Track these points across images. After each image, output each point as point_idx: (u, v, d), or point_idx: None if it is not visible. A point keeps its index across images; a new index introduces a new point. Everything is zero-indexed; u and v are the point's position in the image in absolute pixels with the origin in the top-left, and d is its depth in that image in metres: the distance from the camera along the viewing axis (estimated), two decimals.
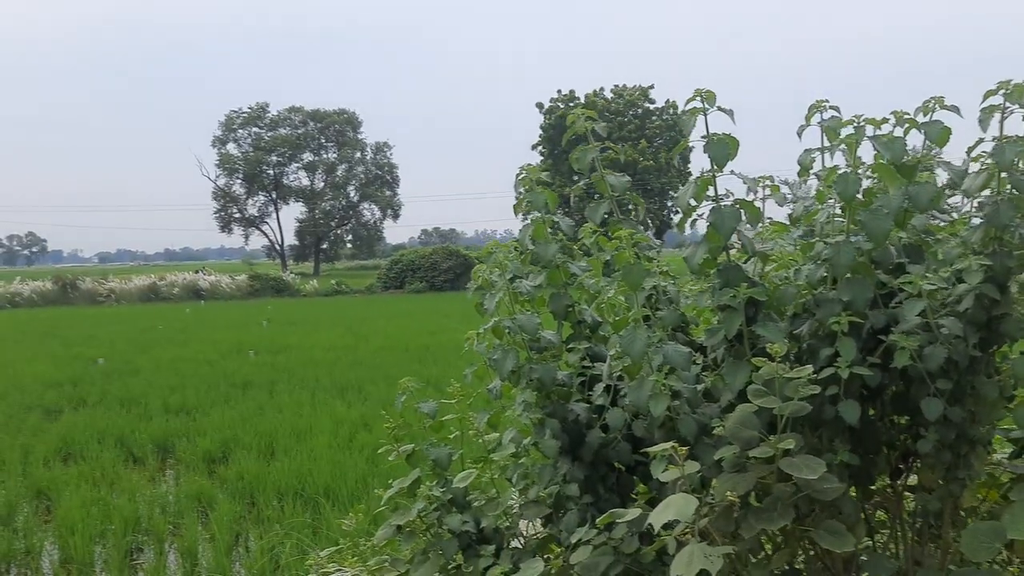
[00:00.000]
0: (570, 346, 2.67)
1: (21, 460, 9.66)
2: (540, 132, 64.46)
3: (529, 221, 2.77)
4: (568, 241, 2.79)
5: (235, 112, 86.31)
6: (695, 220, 2.38)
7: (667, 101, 65.35)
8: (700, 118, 2.29)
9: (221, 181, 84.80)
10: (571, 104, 63.22)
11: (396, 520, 2.55)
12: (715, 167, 2.32)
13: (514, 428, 2.56)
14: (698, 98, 2.29)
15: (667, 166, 60.77)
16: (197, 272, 52.72)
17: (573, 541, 2.19)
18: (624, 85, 66.15)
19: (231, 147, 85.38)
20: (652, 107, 65.14)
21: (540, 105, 64.79)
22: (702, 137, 2.32)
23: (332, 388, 13.88)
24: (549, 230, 2.72)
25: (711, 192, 2.34)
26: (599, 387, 2.49)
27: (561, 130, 61.23)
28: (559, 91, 64.43)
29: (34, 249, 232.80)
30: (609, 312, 2.75)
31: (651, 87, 65.75)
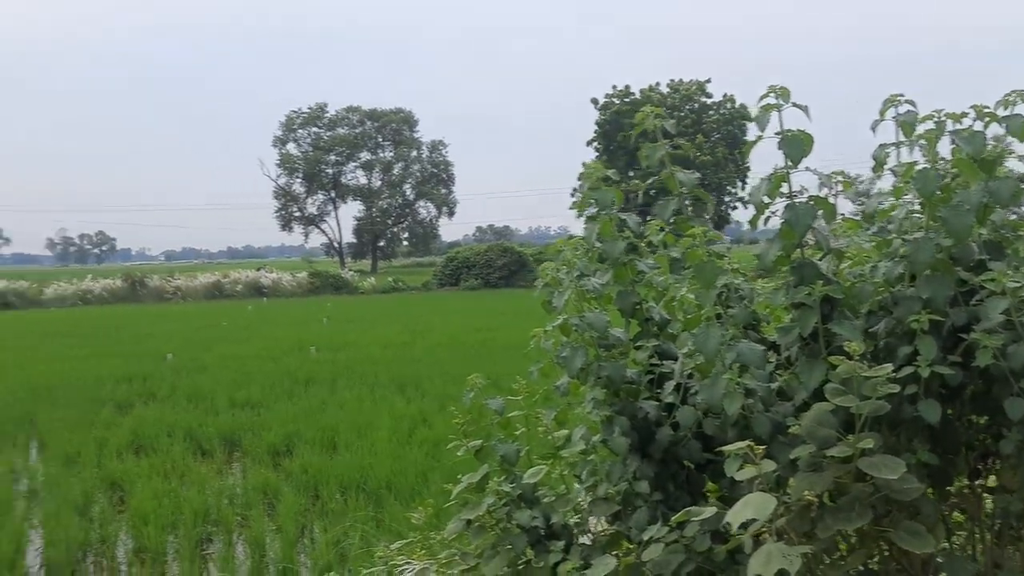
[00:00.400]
0: (638, 344, 2.67)
1: (96, 452, 9.99)
2: (595, 128, 64.16)
3: (591, 219, 2.77)
4: (635, 238, 2.78)
5: (295, 112, 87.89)
6: (768, 217, 2.36)
7: (724, 95, 64.55)
8: (774, 114, 2.27)
9: (282, 180, 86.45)
10: (626, 100, 62.86)
11: (466, 515, 2.58)
12: (789, 163, 2.29)
13: (583, 425, 2.57)
14: (772, 94, 2.27)
15: (724, 161, 60.00)
16: (259, 270, 53.82)
17: (645, 538, 2.19)
18: (680, 80, 65.51)
19: (291, 147, 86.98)
20: (709, 101, 64.36)
21: (595, 101, 64.50)
22: (776, 133, 2.30)
23: (391, 384, 14.05)
24: (615, 227, 2.72)
25: (785, 189, 2.32)
26: (669, 385, 2.49)
27: (616, 126, 60.90)
28: (614, 86, 64.08)
29: (104, 248, 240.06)
30: (677, 310, 2.73)
31: (708, 81, 64.99)
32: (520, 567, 2.53)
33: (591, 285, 2.57)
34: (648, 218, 2.88)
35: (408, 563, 3.16)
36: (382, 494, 8.09)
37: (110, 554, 7.21)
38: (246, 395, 13.35)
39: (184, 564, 6.65)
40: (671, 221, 2.63)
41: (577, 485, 2.62)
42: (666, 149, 2.58)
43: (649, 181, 2.67)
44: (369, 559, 6.34)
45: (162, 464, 9.43)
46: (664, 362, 2.63)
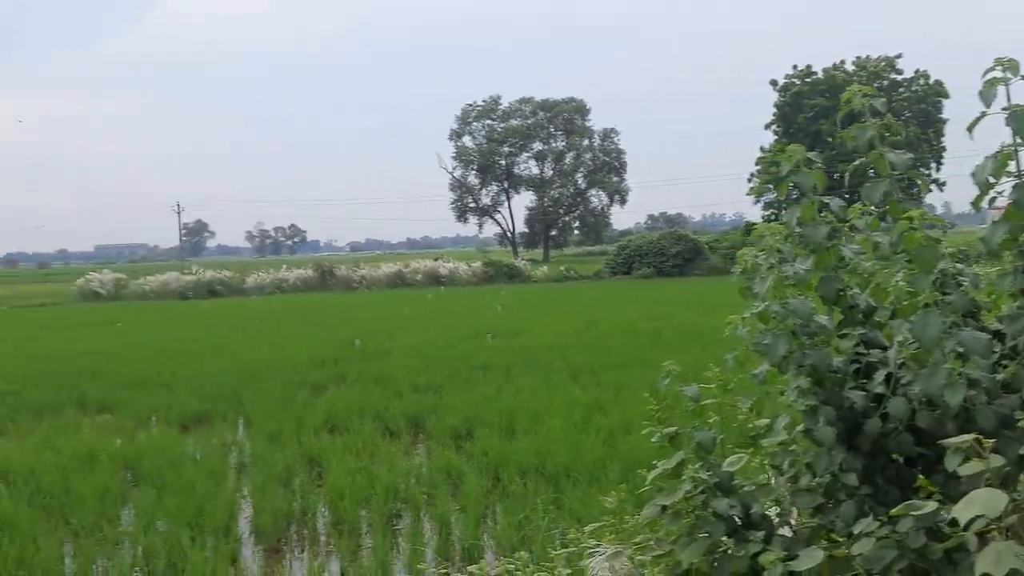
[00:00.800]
0: (843, 332, 2.57)
1: (295, 430, 10.74)
2: (774, 111, 61.66)
3: (792, 203, 2.69)
4: (838, 223, 2.68)
5: (470, 106, 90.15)
6: (993, 198, 2.20)
7: (916, 71, 60.25)
8: (1000, 89, 2.12)
9: (457, 173, 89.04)
10: (807, 80, 59.99)
11: (661, 500, 2.59)
12: (1018, 140, 2.14)
13: (786, 414, 2.51)
14: (999, 67, 2.12)
15: (917, 141, 56.05)
16: (437, 260, 55.81)
17: (855, 532, 2.12)
18: (867, 56, 61.75)
19: (466, 140, 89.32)
20: (899, 78, 60.27)
21: (774, 82, 61.92)
22: (1003, 108, 2.14)
23: (565, 371, 14.19)
24: (817, 211, 2.63)
25: (1012, 167, 2.16)
26: (878, 375, 2.39)
27: (797, 107, 58.29)
28: (794, 66, 61.26)
29: (296, 239, 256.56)
30: (885, 297, 2.61)
31: (899, 56, 60.88)
32: (717, 555, 2.52)
33: (793, 271, 2.50)
34: (853, 201, 2.77)
35: (599, 546, 3.21)
36: (560, 479, 8.21)
37: (311, 524, 7.75)
38: (427, 379, 13.90)
39: (377, 537, 7.03)
40: (881, 204, 2.52)
41: (777, 476, 2.57)
42: (875, 130, 2.47)
43: (856, 163, 2.56)
44: (551, 542, 6.48)
45: (354, 443, 9.99)
46: (870, 351, 2.53)
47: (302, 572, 6.65)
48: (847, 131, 2.53)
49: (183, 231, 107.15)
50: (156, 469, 9.16)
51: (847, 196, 3.05)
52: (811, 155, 2.74)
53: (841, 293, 2.61)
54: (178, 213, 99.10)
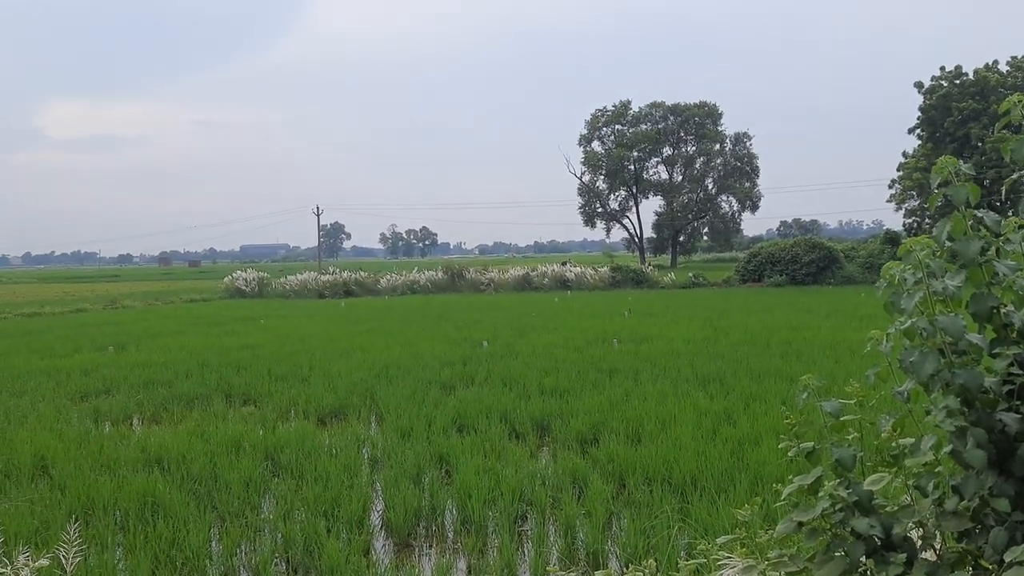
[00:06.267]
0: (995, 351, 2.47)
1: (425, 428, 11.03)
2: (919, 114, 58.55)
3: (943, 215, 2.60)
4: (992, 238, 2.58)
5: (600, 111, 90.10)
6: None
7: None
8: None
9: (586, 178, 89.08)
10: (955, 82, 56.65)
11: (798, 516, 2.55)
12: None
13: (932, 434, 2.43)
14: None
15: None
16: (564, 264, 55.96)
17: (1007, 560, 2.04)
18: None
19: (595, 145, 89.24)
20: None
21: (920, 84, 58.77)
22: None
23: (694, 379, 13.98)
24: (970, 225, 2.54)
25: None
26: None
27: (945, 111, 55.11)
28: (942, 68, 57.96)
29: (427, 242, 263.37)
30: None
31: None
32: None
33: (943, 286, 2.42)
34: (1005, 212, 2.65)
35: (729, 558, 3.18)
36: (686, 489, 8.12)
37: (440, 521, 7.95)
38: (554, 382, 13.98)
39: (504, 537, 7.15)
40: None
41: (921, 498, 2.49)
42: None
43: (1016, 175, 2.45)
44: (675, 552, 6.42)
45: (481, 443, 10.17)
46: None
47: (431, 568, 6.84)
48: (1005, 144, 2.43)
49: (321, 233, 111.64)
50: (295, 460, 9.63)
51: (999, 204, 2.92)
52: (964, 167, 2.64)
53: (994, 311, 2.51)
54: (317, 216, 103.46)
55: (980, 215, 2.54)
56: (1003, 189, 2.59)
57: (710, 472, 8.41)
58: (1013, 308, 2.58)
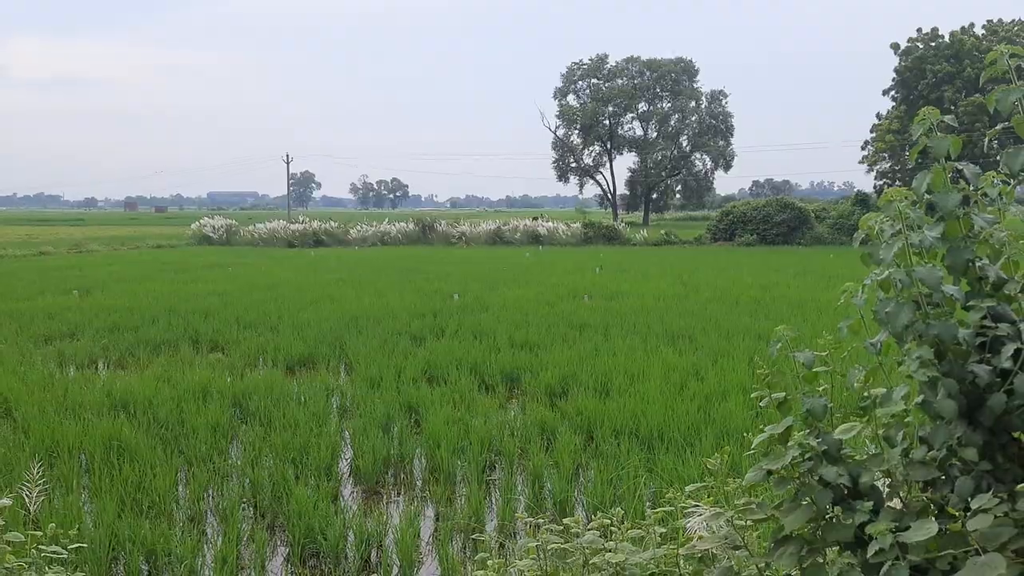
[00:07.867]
0: (969, 304, 2.48)
1: (394, 378, 11.03)
2: (894, 76, 58.78)
3: (922, 168, 2.59)
4: (971, 191, 2.57)
5: (576, 64, 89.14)
6: None
7: None
8: None
9: (560, 132, 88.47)
10: (931, 44, 56.84)
11: (768, 464, 2.56)
12: None
13: (904, 385, 2.45)
14: None
15: None
16: (536, 219, 55.85)
17: (973, 507, 2.06)
18: (999, 19, 57.94)
19: (571, 98, 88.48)
20: None
21: (896, 46, 58.93)
22: None
23: (663, 335, 14.08)
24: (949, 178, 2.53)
25: None
26: (1006, 349, 2.29)
27: (919, 73, 55.38)
28: (918, 29, 58.10)
29: (398, 193, 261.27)
30: (1017, 269, 2.49)
31: None
32: (822, 523, 2.49)
33: (921, 238, 2.41)
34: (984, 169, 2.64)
35: (696, 507, 3.20)
36: (653, 442, 8.21)
37: (408, 470, 7.99)
38: (524, 336, 14.02)
39: (472, 487, 7.21)
40: (1021, 173, 2.39)
41: (890, 448, 2.51)
42: (1022, 92, 2.33)
43: (998, 127, 2.43)
44: (641, 502, 6.51)
45: (451, 394, 10.20)
46: (998, 325, 2.43)
47: (399, 514, 6.88)
48: (991, 94, 2.41)
49: (291, 181, 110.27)
50: (263, 407, 9.59)
51: (977, 163, 2.92)
52: (947, 119, 2.62)
53: (970, 264, 2.51)
54: (287, 164, 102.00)
55: (960, 167, 2.52)
56: (985, 141, 2.57)
57: (677, 426, 8.50)
58: (988, 261, 2.59)
